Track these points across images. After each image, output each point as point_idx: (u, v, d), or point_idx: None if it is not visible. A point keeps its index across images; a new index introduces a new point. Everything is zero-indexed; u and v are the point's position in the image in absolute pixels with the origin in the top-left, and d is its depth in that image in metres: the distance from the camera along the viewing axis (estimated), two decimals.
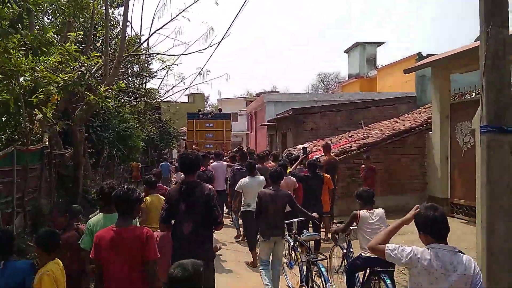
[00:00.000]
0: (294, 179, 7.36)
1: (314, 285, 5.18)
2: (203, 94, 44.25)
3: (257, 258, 6.62)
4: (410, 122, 11.64)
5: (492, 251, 3.46)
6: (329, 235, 7.52)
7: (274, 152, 10.94)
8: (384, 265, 4.19)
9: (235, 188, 7.51)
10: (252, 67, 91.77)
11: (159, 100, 17.13)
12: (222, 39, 9.37)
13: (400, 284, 5.31)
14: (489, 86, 3.48)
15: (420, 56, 17.85)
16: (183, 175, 4.22)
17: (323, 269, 4.86)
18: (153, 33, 9.70)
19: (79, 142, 7.96)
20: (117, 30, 11.73)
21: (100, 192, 4.22)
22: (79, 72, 6.20)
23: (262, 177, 7.31)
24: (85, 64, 6.40)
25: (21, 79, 5.60)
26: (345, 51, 26.69)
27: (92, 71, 6.64)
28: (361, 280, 4.78)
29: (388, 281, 4.24)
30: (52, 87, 6.02)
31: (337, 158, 9.52)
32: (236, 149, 14.07)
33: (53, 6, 8.57)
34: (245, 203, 7.22)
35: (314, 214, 6.03)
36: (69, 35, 6.87)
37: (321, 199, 7.51)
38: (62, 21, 8.75)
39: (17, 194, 6.19)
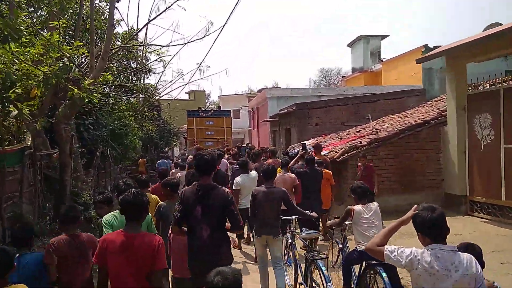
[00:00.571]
0: (293, 175, 7.26)
1: (314, 284, 5.08)
2: (204, 91, 43.84)
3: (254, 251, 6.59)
4: (422, 115, 11.03)
5: None
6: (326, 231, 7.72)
7: (271, 148, 10.91)
8: None
9: (233, 187, 7.42)
10: (253, 56, 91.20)
11: (158, 97, 16.61)
12: (221, 30, 8.72)
13: (404, 279, 5.00)
14: None
15: (426, 48, 17.34)
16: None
17: (323, 268, 4.77)
18: (148, 22, 9.04)
19: (64, 141, 7.35)
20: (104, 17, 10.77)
21: (115, 189, 4.25)
22: (61, 64, 5.60)
23: (254, 173, 7.48)
24: (68, 55, 5.79)
25: None
26: (348, 45, 26.05)
27: (76, 62, 6.00)
28: (357, 274, 4.88)
29: (384, 274, 4.25)
30: (32, 81, 5.45)
31: (328, 158, 9.27)
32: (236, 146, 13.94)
33: None
34: (241, 201, 7.22)
35: (313, 214, 5.87)
36: (51, 23, 6.27)
37: (321, 196, 7.48)
38: (48, 11, 8.15)
39: None
